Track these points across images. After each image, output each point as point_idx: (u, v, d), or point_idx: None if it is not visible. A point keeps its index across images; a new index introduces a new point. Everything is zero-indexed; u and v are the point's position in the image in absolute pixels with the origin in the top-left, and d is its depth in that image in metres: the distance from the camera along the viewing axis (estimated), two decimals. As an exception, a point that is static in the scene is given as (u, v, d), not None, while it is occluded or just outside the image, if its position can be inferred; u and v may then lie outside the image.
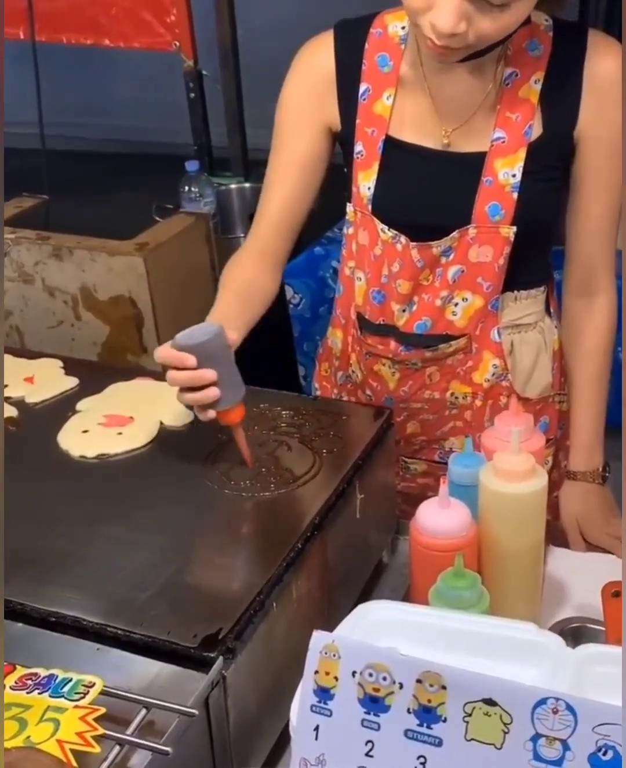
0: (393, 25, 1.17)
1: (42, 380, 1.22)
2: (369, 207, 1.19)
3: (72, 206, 2.74)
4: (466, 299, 1.21)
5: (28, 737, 0.70)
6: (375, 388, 1.32)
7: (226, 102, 2.73)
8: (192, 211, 2.23)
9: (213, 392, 0.99)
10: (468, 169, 1.15)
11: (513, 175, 1.14)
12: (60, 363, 1.27)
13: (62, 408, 1.17)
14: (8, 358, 1.29)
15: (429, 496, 1.33)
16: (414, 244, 1.17)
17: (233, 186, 2.63)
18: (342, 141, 1.23)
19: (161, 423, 1.13)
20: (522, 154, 1.14)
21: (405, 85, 1.17)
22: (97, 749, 0.69)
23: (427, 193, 1.17)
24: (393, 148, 1.17)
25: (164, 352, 1.00)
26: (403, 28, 1.17)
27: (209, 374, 0.99)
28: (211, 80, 2.67)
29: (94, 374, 1.25)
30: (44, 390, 1.20)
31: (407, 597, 1.07)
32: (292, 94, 1.22)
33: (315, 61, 1.20)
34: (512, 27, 1.01)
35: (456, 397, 1.29)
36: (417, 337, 1.25)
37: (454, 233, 1.16)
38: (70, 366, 1.27)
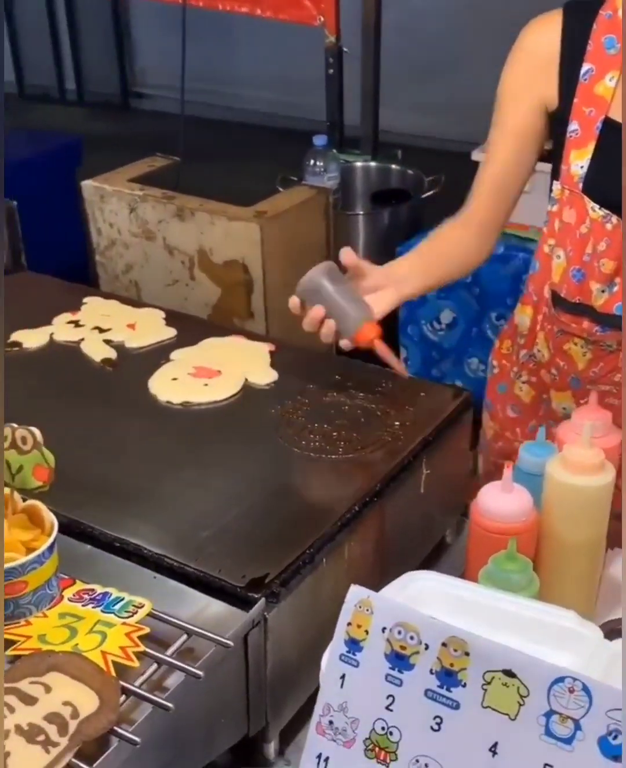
0: (623, 7, 1.17)
1: (143, 328, 1.29)
2: (581, 185, 1.20)
3: (202, 171, 2.83)
4: None
5: (76, 645, 0.76)
6: (561, 368, 1.33)
7: (363, 80, 2.75)
8: (314, 185, 2.26)
9: (328, 327, 1.10)
10: None
11: None
12: (162, 314, 1.33)
13: (157, 355, 1.23)
14: (115, 304, 1.37)
15: None
16: None
17: (358, 164, 2.66)
18: (555, 120, 1.23)
19: (246, 380, 1.17)
20: None
21: None
22: (136, 664, 0.74)
23: None
24: (610, 130, 1.18)
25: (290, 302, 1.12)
26: None
27: (316, 312, 1.10)
28: (350, 57, 2.68)
29: (191, 328, 1.31)
30: (144, 337, 1.27)
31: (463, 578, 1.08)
32: (514, 70, 1.24)
33: (541, 39, 1.22)
34: None
35: None
36: (616, 318, 1.24)
37: None
38: (171, 318, 1.33)
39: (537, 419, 1.42)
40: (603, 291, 1.24)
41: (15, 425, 0.79)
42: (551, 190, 1.26)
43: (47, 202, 2.75)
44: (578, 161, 1.20)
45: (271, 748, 0.91)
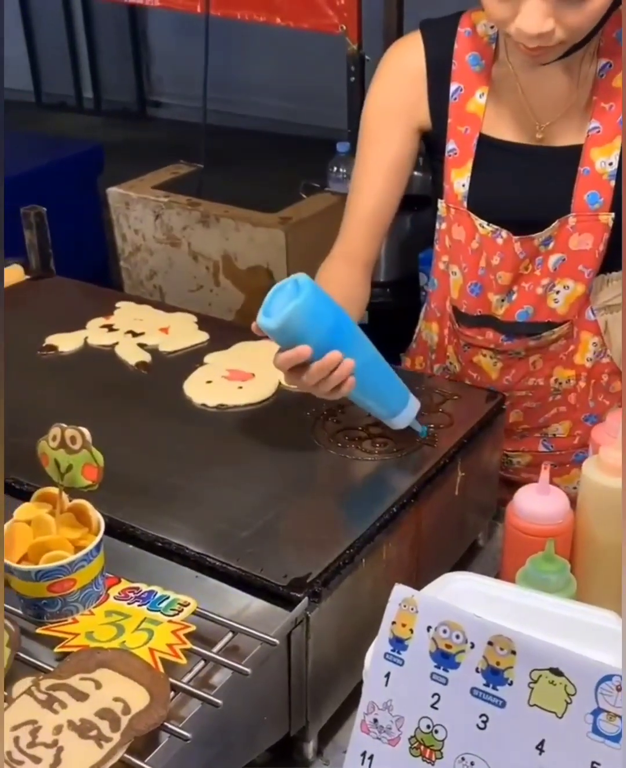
0: (482, 24, 1.18)
1: (176, 332, 1.30)
2: (465, 203, 1.20)
3: (225, 178, 2.85)
4: (568, 287, 1.23)
5: (124, 642, 0.77)
6: (474, 379, 1.34)
7: (385, 88, 2.76)
8: (337, 191, 2.28)
9: (349, 364, 0.96)
10: (564, 161, 1.16)
11: (610, 164, 1.15)
12: (194, 318, 1.35)
13: (191, 359, 1.24)
14: (148, 309, 1.38)
15: None
16: (517, 237, 1.18)
17: (381, 171, 2.67)
18: (431, 141, 1.23)
19: (279, 383, 1.18)
20: (618, 142, 1.14)
21: (496, 83, 1.17)
22: (183, 661, 0.75)
23: (524, 187, 1.18)
24: (487, 146, 1.18)
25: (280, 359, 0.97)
26: (492, 27, 1.17)
27: (305, 351, 0.94)
28: (372, 65, 2.70)
29: (223, 332, 1.32)
30: (177, 341, 1.28)
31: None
32: (381, 96, 1.22)
33: (405, 62, 1.20)
34: (599, 13, 1.00)
35: (560, 383, 1.31)
36: (519, 326, 1.26)
37: (555, 223, 1.18)
38: (203, 322, 1.34)
39: None
40: (502, 300, 1.25)
41: (64, 425, 0.80)
42: (437, 209, 1.25)
43: (69, 208, 2.78)
44: (459, 179, 1.20)
45: (310, 747, 0.92)
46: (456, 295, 1.30)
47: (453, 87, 1.19)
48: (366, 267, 1.26)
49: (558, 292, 1.23)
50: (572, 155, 1.16)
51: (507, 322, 1.26)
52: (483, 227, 1.20)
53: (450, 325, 1.34)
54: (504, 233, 1.19)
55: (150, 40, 5.56)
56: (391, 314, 2.62)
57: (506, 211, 1.19)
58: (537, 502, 1.01)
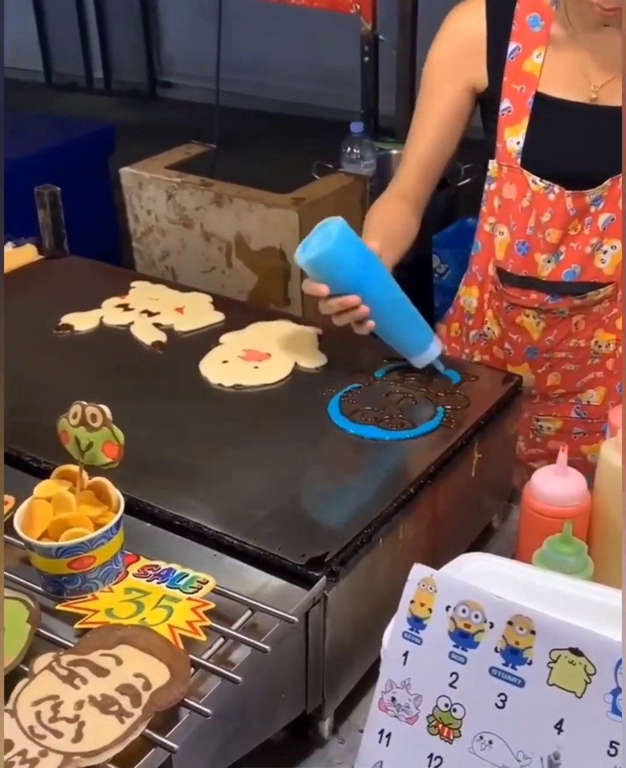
0: None
1: (191, 312, 1.30)
2: (519, 160, 1.24)
3: (237, 159, 2.84)
4: (615, 247, 1.25)
5: (143, 619, 0.77)
6: (515, 342, 1.36)
7: (399, 68, 2.74)
8: (351, 172, 2.26)
9: (363, 311, 1.07)
10: (617, 120, 1.17)
11: None
12: (209, 298, 1.34)
13: (207, 339, 1.24)
14: (163, 289, 1.38)
15: None
16: (568, 192, 1.21)
17: (394, 152, 2.64)
18: (485, 100, 1.28)
19: (296, 363, 1.18)
20: None
21: (555, 43, 1.21)
22: (203, 638, 0.75)
23: (577, 144, 1.21)
24: (542, 104, 1.22)
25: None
26: None
27: (323, 290, 1.07)
28: (386, 45, 2.68)
29: (239, 312, 1.31)
30: (193, 321, 1.28)
31: (512, 562, 1.09)
32: (440, 54, 1.29)
33: (466, 23, 1.26)
34: None
35: (599, 346, 1.34)
36: (565, 285, 1.28)
37: (606, 182, 1.20)
38: (218, 302, 1.34)
39: None
40: (548, 261, 1.28)
41: (85, 403, 0.80)
42: (487, 170, 1.29)
43: (80, 189, 2.77)
44: (513, 137, 1.24)
45: (326, 725, 0.92)
46: (502, 256, 1.32)
47: (511, 47, 1.23)
48: (418, 203, 1.35)
49: (605, 252, 1.26)
50: None
51: (552, 281, 1.29)
52: (535, 184, 1.23)
53: (491, 289, 1.36)
54: (556, 189, 1.22)
55: (161, 20, 5.51)
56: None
57: (559, 167, 1.23)
58: (554, 484, 1.01)
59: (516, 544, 1.08)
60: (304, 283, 1.11)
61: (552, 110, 1.22)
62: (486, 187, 1.31)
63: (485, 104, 1.28)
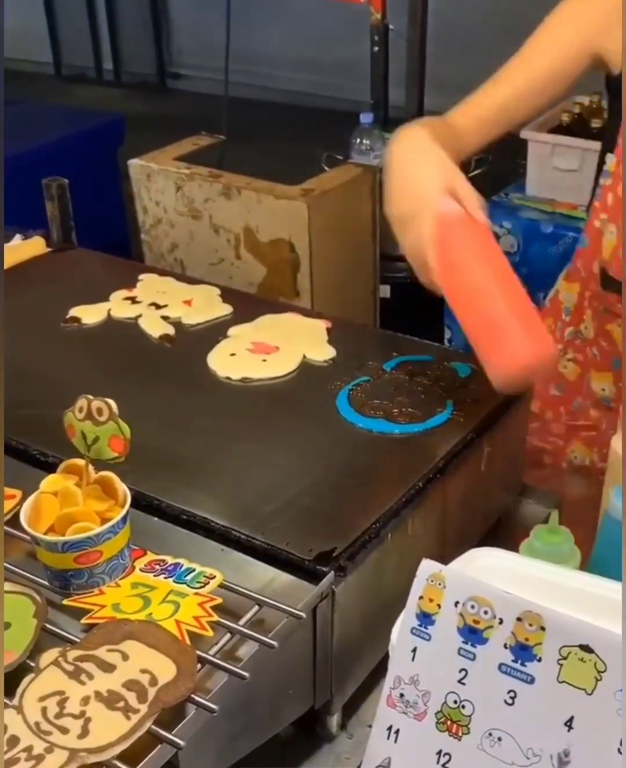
0: None
1: (199, 304, 1.29)
2: None
3: (246, 150, 2.83)
4: None
5: (150, 614, 0.77)
6: (603, 349, 1.30)
7: (409, 57, 2.72)
8: (360, 163, 2.25)
9: None
10: None
11: None
12: (217, 291, 1.34)
13: (215, 332, 1.23)
14: (171, 281, 1.37)
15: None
16: None
17: (404, 143, 2.63)
18: (613, 83, 1.16)
19: (304, 356, 1.17)
20: None
21: None
22: (210, 633, 0.75)
23: None
24: None
25: None
26: None
27: None
28: (396, 35, 2.66)
29: (247, 304, 1.31)
30: (200, 313, 1.27)
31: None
32: (578, 13, 1.15)
33: None
34: None
35: None
36: None
37: None
38: (227, 294, 1.33)
39: (581, 397, 1.40)
40: None
41: (91, 397, 0.79)
42: (604, 163, 1.20)
43: (89, 180, 2.77)
44: None
45: (334, 721, 0.92)
46: (608, 257, 1.24)
47: None
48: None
49: (622, 249, 1.18)
50: None
51: None
52: None
53: (593, 288, 1.28)
54: None
55: (171, 11, 5.50)
56: (413, 289, 2.60)
57: None
58: None
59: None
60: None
61: None
62: (601, 181, 1.21)
63: (612, 87, 1.17)
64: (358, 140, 2.40)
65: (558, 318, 1.38)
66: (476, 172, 2.50)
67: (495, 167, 2.35)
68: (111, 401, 0.79)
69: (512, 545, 1.16)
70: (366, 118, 2.39)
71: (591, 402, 1.34)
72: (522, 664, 0.72)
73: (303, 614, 0.77)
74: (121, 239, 2.91)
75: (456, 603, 0.74)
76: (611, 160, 1.20)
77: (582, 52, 1.15)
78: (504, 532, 1.20)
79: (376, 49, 2.64)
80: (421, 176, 1.00)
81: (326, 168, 2.24)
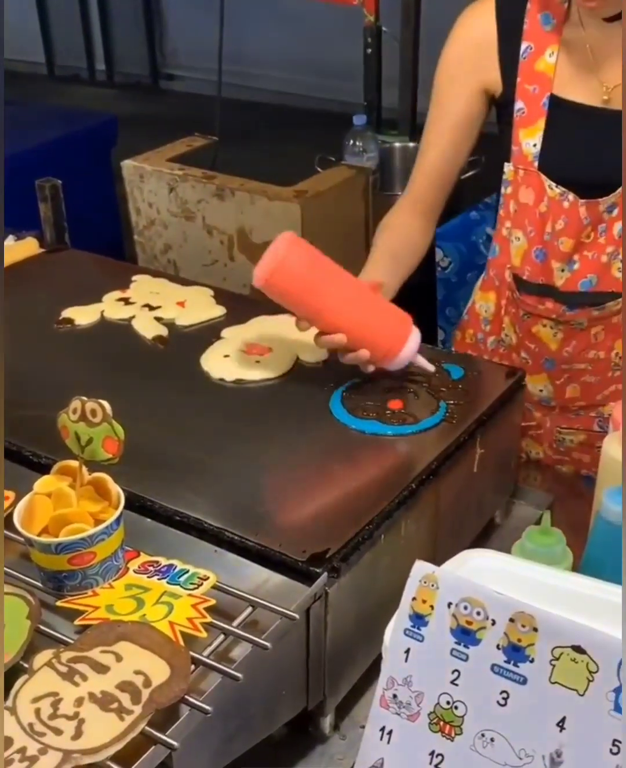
0: None
1: (192, 306, 1.29)
2: (536, 164, 1.21)
3: (239, 152, 2.83)
4: None
5: (144, 615, 0.77)
6: (532, 351, 1.33)
7: (402, 59, 2.73)
8: (354, 165, 2.25)
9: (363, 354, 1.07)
10: None
11: None
12: (211, 292, 1.34)
13: (208, 333, 1.23)
14: (164, 283, 1.37)
15: (583, 474, 1.34)
16: (582, 201, 1.18)
17: (397, 144, 2.64)
18: (500, 103, 1.25)
19: (298, 357, 1.17)
20: None
21: (566, 43, 1.18)
22: (204, 634, 0.75)
23: (592, 149, 1.18)
24: (556, 106, 1.19)
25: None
26: None
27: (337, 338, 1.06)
28: (389, 37, 2.67)
29: (240, 306, 1.31)
30: (194, 315, 1.27)
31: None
32: (452, 56, 1.26)
33: (475, 25, 1.23)
34: None
35: (620, 357, 1.30)
36: (582, 295, 1.25)
37: (618, 189, 1.17)
38: (220, 296, 1.33)
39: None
40: (562, 270, 1.25)
41: (85, 398, 0.79)
42: (503, 173, 1.26)
43: (82, 181, 2.77)
44: (529, 140, 1.20)
45: (327, 722, 0.92)
46: (518, 262, 1.29)
47: (523, 46, 1.20)
48: (429, 214, 1.33)
49: (622, 261, 1.22)
50: None
51: (568, 291, 1.26)
52: (551, 189, 1.20)
53: (508, 295, 1.33)
54: (570, 196, 1.19)
55: (164, 11, 5.50)
56: (405, 291, 2.60)
57: (575, 172, 1.20)
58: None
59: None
60: (317, 339, 1.09)
61: (566, 112, 1.19)
62: (502, 190, 1.27)
63: (500, 107, 1.25)
64: (351, 142, 2.41)
65: (478, 329, 1.42)
66: (469, 174, 2.51)
67: (488, 169, 2.35)
68: (105, 402, 0.79)
69: (504, 546, 1.17)
70: (359, 120, 2.40)
71: (532, 404, 1.37)
72: (515, 665, 0.72)
73: (296, 615, 0.78)
74: (114, 240, 2.91)
75: (449, 604, 0.75)
76: (508, 169, 1.24)
77: (475, 93, 1.25)
78: (496, 534, 1.20)
79: (369, 51, 2.65)
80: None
81: (319, 170, 2.25)
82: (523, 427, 1.41)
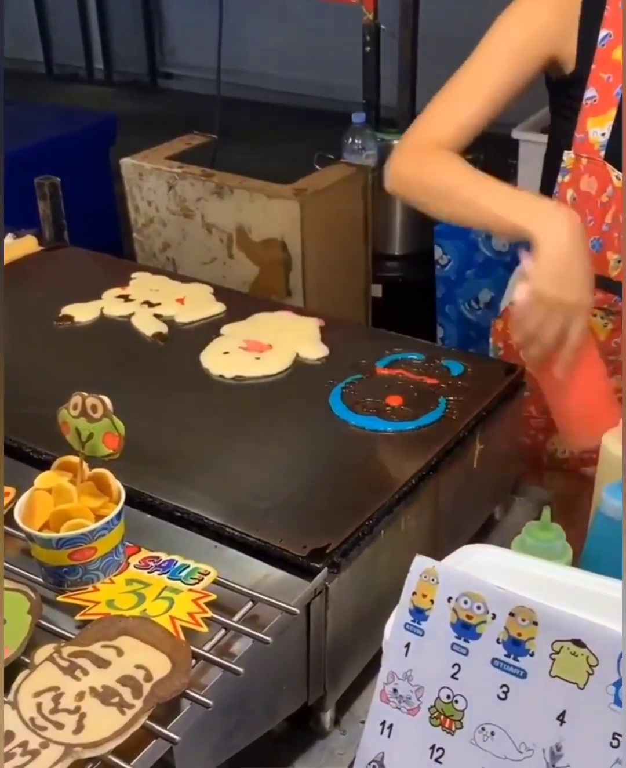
0: None
1: (192, 302, 1.30)
2: (603, 153, 1.18)
3: (238, 150, 2.82)
4: None
5: (145, 610, 0.77)
6: None
7: (401, 57, 2.73)
8: (353, 163, 2.25)
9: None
10: None
11: None
12: (210, 289, 1.34)
13: (207, 330, 1.23)
14: (164, 280, 1.37)
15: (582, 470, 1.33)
16: None
17: (395, 142, 2.64)
18: (568, 83, 1.20)
19: (297, 354, 1.17)
20: None
21: None
22: (205, 629, 0.75)
23: None
24: None
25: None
26: None
27: None
28: (387, 35, 2.66)
29: (240, 303, 1.31)
30: (193, 312, 1.27)
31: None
32: (532, 15, 1.17)
33: None
34: None
35: None
36: None
37: None
38: (219, 293, 1.33)
39: None
40: (618, 261, 1.23)
41: (85, 394, 0.80)
42: (562, 161, 1.23)
43: (81, 179, 2.77)
44: (597, 128, 1.18)
45: (328, 716, 0.92)
46: None
47: (602, 33, 1.16)
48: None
49: (622, 260, 1.21)
50: None
51: (619, 281, 1.23)
52: (618, 180, 1.18)
53: None
54: None
55: (163, 10, 5.49)
56: (405, 288, 2.61)
57: None
58: None
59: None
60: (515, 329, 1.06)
61: None
62: (559, 178, 1.24)
63: (566, 88, 1.20)
64: (350, 140, 2.41)
65: None
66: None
67: (486, 167, 2.35)
68: (105, 398, 0.79)
69: (504, 542, 1.17)
70: (358, 118, 2.39)
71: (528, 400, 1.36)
72: (515, 659, 0.72)
73: (297, 610, 0.78)
74: (112, 238, 2.91)
75: (449, 598, 0.75)
76: (569, 157, 1.22)
77: (537, 56, 1.18)
78: (496, 530, 1.20)
79: (368, 49, 2.64)
80: (583, 278, 1.03)
81: (318, 167, 2.24)
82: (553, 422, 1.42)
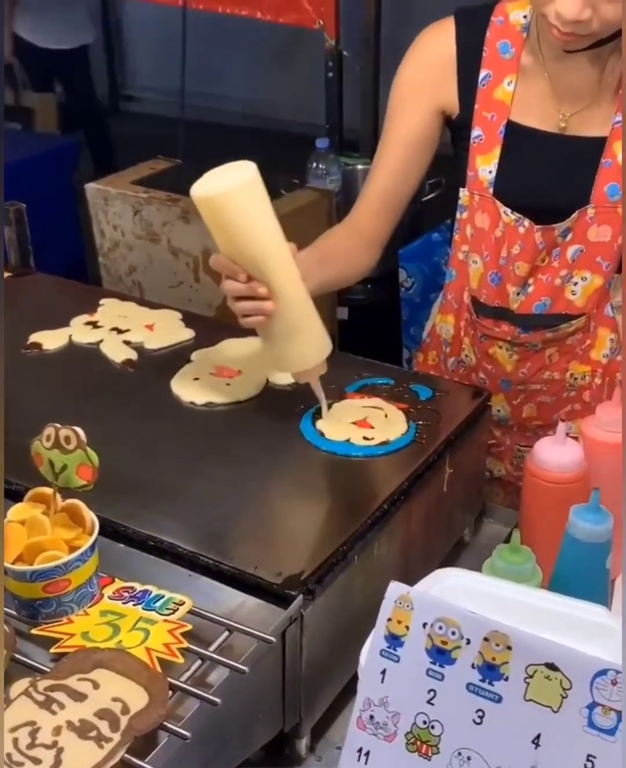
0: (515, 13, 1.20)
1: (161, 329, 1.30)
2: (491, 190, 1.23)
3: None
4: (585, 278, 1.24)
5: (120, 642, 0.77)
6: (489, 372, 1.35)
7: (363, 82, 2.77)
8: (317, 187, 2.28)
9: (268, 305, 1.01)
10: (586, 152, 1.18)
11: None
12: (179, 315, 1.34)
13: (177, 356, 1.24)
14: (132, 306, 1.37)
15: None
16: (538, 226, 1.20)
17: (360, 166, 2.67)
18: (456, 126, 1.26)
19: (267, 380, 1.18)
20: None
21: (525, 71, 1.20)
22: (180, 660, 0.75)
23: (548, 175, 1.21)
24: (513, 133, 1.21)
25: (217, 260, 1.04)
26: (525, 16, 1.19)
27: (262, 289, 1.00)
28: (350, 61, 2.70)
29: (209, 328, 1.31)
30: (163, 338, 1.27)
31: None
32: (408, 76, 1.25)
33: (435, 46, 1.23)
34: None
35: (575, 378, 1.32)
36: (536, 318, 1.27)
37: (574, 214, 1.20)
38: (189, 319, 1.34)
39: None
40: (518, 293, 1.27)
41: (58, 425, 0.79)
42: (459, 198, 1.27)
43: (45, 204, 2.75)
44: (485, 166, 1.22)
45: (303, 744, 0.92)
46: (476, 285, 1.31)
47: (482, 74, 1.21)
48: (372, 242, 1.28)
49: (575, 284, 1.25)
50: (595, 146, 1.18)
51: (523, 314, 1.28)
52: (507, 215, 1.22)
53: (467, 317, 1.35)
54: (526, 222, 1.21)
55: (124, 32, 5.52)
56: (371, 311, 2.62)
57: (530, 198, 1.21)
58: (553, 452, 1.02)
59: (519, 517, 1.10)
60: (213, 258, 1.03)
61: (523, 139, 1.20)
62: (458, 215, 1.29)
63: (456, 130, 1.26)
64: (314, 165, 2.43)
65: (439, 350, 1.44)
66: (430, 196, 2.55)
67: (449, 192, 2.39)
68: (78, 429, 0.79)
69: (474, 564, 1.18)
70: (321, 143, 2.42)
71: (491, 423, 1.39)
72: (490, 684, 0.73)
73: (272, 639, 0.78)
74: (77, 263, 2.90)
75: (424, 624, 0.76)
76: (464, 194, 1.26)
77: (430, 113, 1.24)
78: (466, 552, 1.22)
79: (331, 75, 2.68)
80: None
81: (283, 192, 2.26)
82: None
